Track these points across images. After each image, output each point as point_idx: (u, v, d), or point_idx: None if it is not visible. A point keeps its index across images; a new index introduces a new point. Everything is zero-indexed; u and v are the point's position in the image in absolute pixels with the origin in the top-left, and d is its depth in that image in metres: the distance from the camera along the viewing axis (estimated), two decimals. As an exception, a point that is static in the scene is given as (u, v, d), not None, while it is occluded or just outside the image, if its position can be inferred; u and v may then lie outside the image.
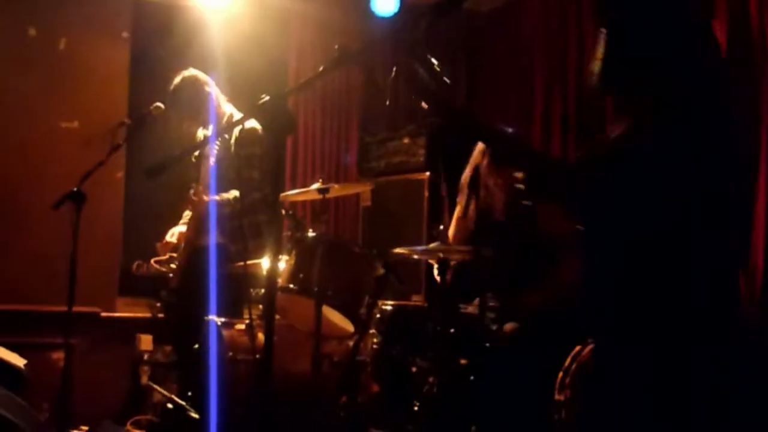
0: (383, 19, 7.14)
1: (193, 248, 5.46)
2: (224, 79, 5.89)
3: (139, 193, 7.00)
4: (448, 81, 2.57)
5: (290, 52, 7.76)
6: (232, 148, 5.40)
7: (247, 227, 5.35)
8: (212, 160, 5.23)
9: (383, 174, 7.33)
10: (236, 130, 5.39)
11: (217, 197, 5.30)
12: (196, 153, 5.48)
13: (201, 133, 5.68)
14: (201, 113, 5.54)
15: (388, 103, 3.19)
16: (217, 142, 5.30)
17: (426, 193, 6.87)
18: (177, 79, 5.56)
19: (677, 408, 2.48)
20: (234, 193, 5.35)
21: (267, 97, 2.64)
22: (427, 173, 6.88)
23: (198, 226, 5.43)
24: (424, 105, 2.58)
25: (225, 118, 5.52)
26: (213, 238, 5.24)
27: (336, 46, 2.99)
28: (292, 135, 7.33)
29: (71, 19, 6.96)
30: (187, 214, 5.64)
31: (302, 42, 7.76)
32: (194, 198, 5.30)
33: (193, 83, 5.55)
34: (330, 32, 7.53)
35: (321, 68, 2.91)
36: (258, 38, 7.27)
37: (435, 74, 2.51)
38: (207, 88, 5.54)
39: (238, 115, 5.54)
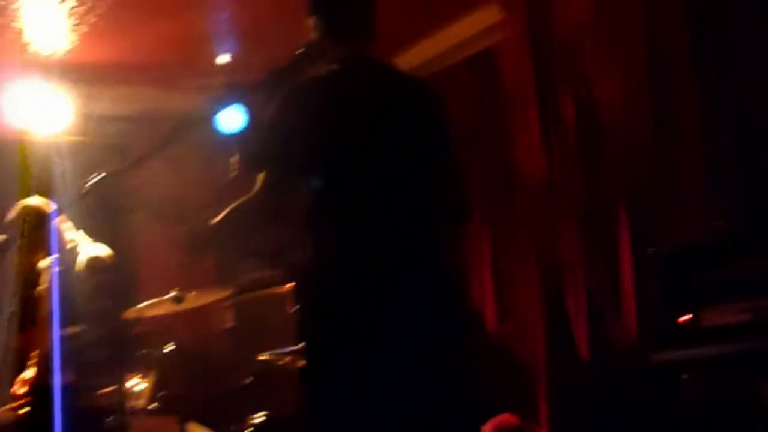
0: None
1: (42, 389, 5.09)
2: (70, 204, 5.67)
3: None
4: None
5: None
6: (79, 278, 5.12)
7: (100, 359, 5.05)
8: (56, 294, 4.93)
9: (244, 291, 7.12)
10: (83, 259, 5.11)
11: (63, 333, 4.96)
12: (40, 287, 5.16)
13: (44, 264, 5.36)
14: (42, 243, 5.24)
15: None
16: (61, 272, 5.02)
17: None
18: (15, 209, 5.29)
19: None
20: (82, 327, 5.04)
21: (102, 175, 2.56)
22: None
23: (47, 365, 5.08)
24: None
25: (69, 247, 5.24)
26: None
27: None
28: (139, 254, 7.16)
29: None
30: (35, 354, 5.28)
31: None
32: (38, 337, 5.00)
33: (33, 212, 5.28)
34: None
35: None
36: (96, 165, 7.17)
37: None
38: (48, 217, 5.26)
39: (85, 241, 5.26)
